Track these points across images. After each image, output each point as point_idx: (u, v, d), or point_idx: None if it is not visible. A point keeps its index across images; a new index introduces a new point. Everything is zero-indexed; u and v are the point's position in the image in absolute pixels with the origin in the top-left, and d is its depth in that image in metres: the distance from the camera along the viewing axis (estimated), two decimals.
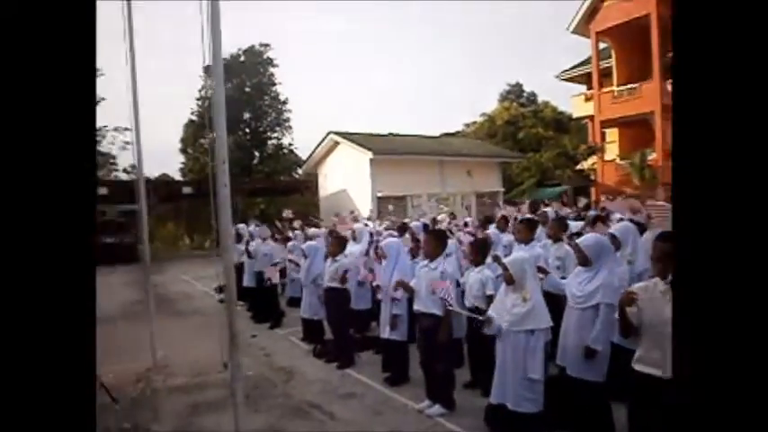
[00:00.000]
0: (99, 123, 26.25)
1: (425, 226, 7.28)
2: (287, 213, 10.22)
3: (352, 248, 6.06)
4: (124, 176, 27.83)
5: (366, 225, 8.46)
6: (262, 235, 7.91)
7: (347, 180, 20.10)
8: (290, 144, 31.33)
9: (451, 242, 5.22)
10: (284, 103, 30.83)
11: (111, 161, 28.06)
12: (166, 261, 16.91)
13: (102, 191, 16.16)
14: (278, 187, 25.84)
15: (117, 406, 4.27)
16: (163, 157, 38.73)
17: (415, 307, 4.06)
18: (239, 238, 8.09)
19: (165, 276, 13.11)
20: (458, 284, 4.36)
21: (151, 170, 26.86)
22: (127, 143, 26.08)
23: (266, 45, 29.88)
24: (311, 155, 22.94)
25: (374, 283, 5.00)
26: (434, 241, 4.13)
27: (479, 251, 4.34)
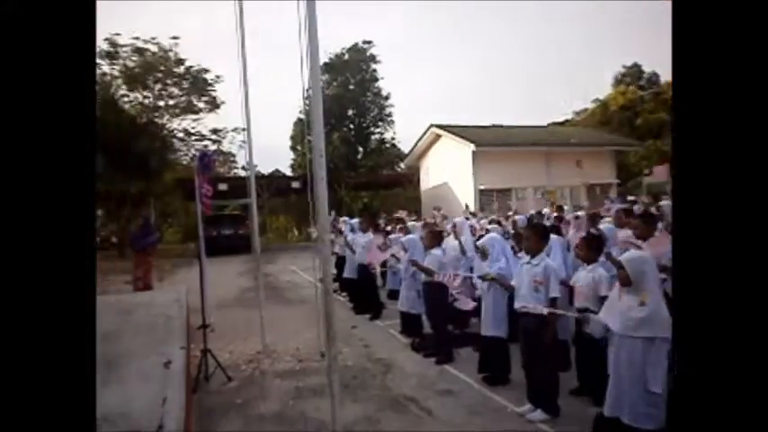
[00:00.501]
0: (220, 125, 28.79)
1: (529, 220, 6.92)
2: (401, 213, 10.29)
3: (452, 242, 5.95)
4: (242, 173, 30.13)
5: (467, 219, 8.28)
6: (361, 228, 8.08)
7: (449, 173, 19.88)
8: (393, 138, 31.81)
9: (556, 238, 4.90)
10: (386, 98, 31.33)
11: (231, 159, 30.52)
12: (278, 251, 18.09)
13: (223, 187, 17.63)
14: (381, 181, 26.37)
15: (231, 383, 4.62)
16: (276, 153, 41.43)
17: (516, 305, 3.85)
18: (341, 230, 8.34)
19: (276, 266, 14.00)
20: (563, 283, 4.06)
21: (265, 167, 28.82)
22: (243, 142, 28.28)
23: (369, 42, 30.55)
24: (413, 148, 23.03)
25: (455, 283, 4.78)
26: (536, 236, 3.88)
27: (592, 247, 3.99)
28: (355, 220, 8.35)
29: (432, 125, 20.68)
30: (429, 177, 22.00)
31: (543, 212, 9.86)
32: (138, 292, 7.92)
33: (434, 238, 5.44)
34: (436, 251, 5.27)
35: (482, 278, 4.44)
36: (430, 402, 4.13)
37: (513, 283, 3.99)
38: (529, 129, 22.27)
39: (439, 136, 20.55)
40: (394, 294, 7.77)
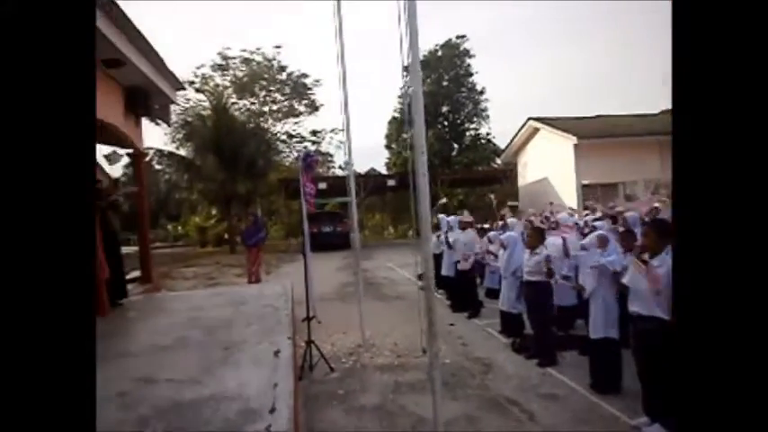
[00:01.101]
0: (319, 127, 30.10)
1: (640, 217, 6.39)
2: (505, 211, 10.05)
3: (555, 240, 5.67)
4: (339, 172, 31.21)
5: (571, 215, 7.87)
6: (460, 225, 7.98)
7: (548, 168, 18.99)
8: (488, 133, 31.09)
9: None
10: (481, 92, 30.68)
11: (329, 159, 31.76)
12: (374, 248, 18.50)
13: (322, 185, 18.37)
14: (477, 177, 25.89)
15: (333, 374, 4.82)
16: (370, 152, 42.37)
17: (632, 308, 3.57)
18: (438, 227, 8.31)
19: (373, 262, 14.33)
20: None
21: (361, 165, 29.59)
22: (341, 142, 29.32)
23: (462, 37, 30.10)
24: (510, 143, 22.32)
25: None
26: (656, 234, 3.55)
27: None
28: (453, 218, 8.27)
29: (530, 118, 19.87)
30: (527, 173, 21.19)
31: (656, 207, 9.04)
32: (252, 284, 8.53)
33: (538, 236, 5.22)
34: (541, 250, 5.04)
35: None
36: (533, 405, 3.98)
37: (624, 281, 3.70)
38: (638, 117, 20.49)
39: (537, 129, 19.69)
40: (492, 293, 7.61)
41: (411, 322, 6.67)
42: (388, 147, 32.32)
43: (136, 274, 7.94)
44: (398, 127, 30.38)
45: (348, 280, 11.23)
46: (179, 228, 32.91)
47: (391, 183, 22.30)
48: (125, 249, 7.48)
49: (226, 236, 24.90)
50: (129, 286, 6.75)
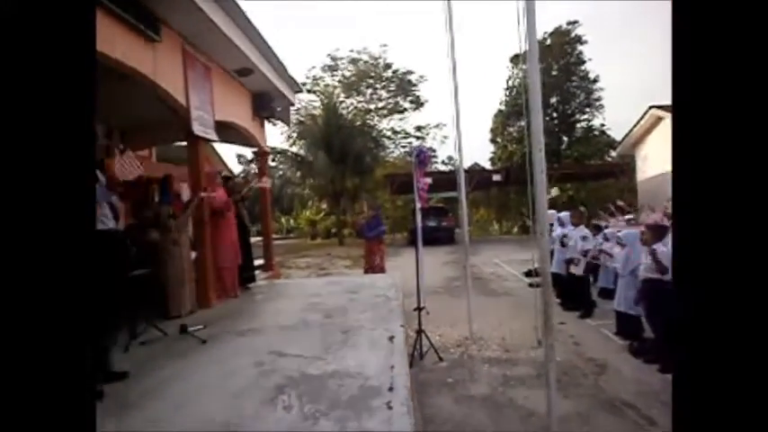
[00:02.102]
0: (423, 122, 30.32)
1: None
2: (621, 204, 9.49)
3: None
4: (442, 167, 31.21)
5: None
6: (572, 221, 7.68)
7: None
8: (602, 125, 29.16)
9: None
10: (594, 81, 28.83)
11: (433, 154, 31.87)
12: (480, 244, 18.30)
13: (428, 180, 18.52)
14: (588, 172, 24.44)
15: (442, 363, 4.96)
16: (474, 147, 41.74)
17: None
18: (549, 224, 8.06)
19: (479, 258, 14.21)
20: None
21: (464, 160, 29.25)
22: (444, 137, 29.30)
23: (574, 22, 28.46)
24: (627, 134, 20.68)
25: None
26: None
27: None
28: (564, 214, 7.98)
29: (651, 106, 18.24)
30: (647, 166, 19.50)
31: None
32: (368, 274, 8.96)
33: (655, 233, 4.90)
34: (659, 247, 4.74)
35: None
36: (653, 411, 3.79)
37: None
38: None
39: (660, 118, 18.01)
40: (606, 293, 7.24)
41: (519, 318, 6.62)
42: (493, 141, 31.63)
43: (259, 262, 8.74)
44: (504, 120, 29.61)
45: (454, 274, 11.30)
46: (291, 221, 35.18)
47: (497, 178, 21.85)
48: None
49: (334, 229, 26.16)
50: (256, 272, 7.46)
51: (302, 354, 3.62)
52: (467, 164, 28.41)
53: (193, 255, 5.50)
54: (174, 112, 5.49)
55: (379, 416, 2.48)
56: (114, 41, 4.02)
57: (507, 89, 29.91)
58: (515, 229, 25.56)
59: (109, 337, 3.28)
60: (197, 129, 5.52)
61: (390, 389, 2.85)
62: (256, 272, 7.50)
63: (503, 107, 30.02)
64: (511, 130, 29.39)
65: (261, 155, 8.80)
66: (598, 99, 28.88)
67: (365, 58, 27.00)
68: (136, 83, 4.69)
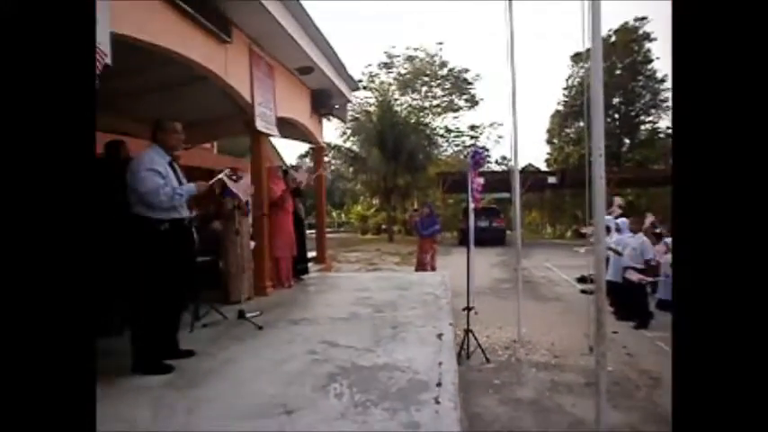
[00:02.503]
0: (477, 121, 29.96)
1: None
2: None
3: None
4: (495, 167, 30.70)
5: None
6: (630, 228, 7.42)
7: None
8: (668, 127, 27.68)
9: None
10: (661, 81, 27.42)
11: (487, 153, 31.42)
12: (531, 247, 17.93)
13: (480, 180, 18.32)
14: (650, 177, 23.34)
15: (489, 365, 4.97)
16: (529, 147, 40.75)
17: None
18: (607, 230, 7.83)
19: (530, 261, 13.95)
20: None
21: (519, 161, 28.69)
22: (499, 137, 28.82)
23: (642, 19, 27.17)
24: None
25: None
26: None
27: None
28: (622, 220, 7.72)
29: None
30: None
31: None
32: (419, 272, 9.04)
33: None
34: None
35: None
36: None
37: None
38: None
39: None
40: (664, 305, 6.96)
41: (569, 324, 6.49)
42: (549, 141, 30.84)
43: (312, 254, 9.01)
44: (562, 121, 28.76)
45: (503, 276, 11.18)
46: (342, 215, 35.78)
47: (552, 180, 21.30)
48: None
49: (384, 225, 26.39)
50: (309, 264, 7.71)
51: (353, 345, 3.75)
52: (521, 164, 27.87)
53: (252, 245, 5.78)
54: (238, 108, 5.78)
55: (427, 409, 2.56)
56: (193, 45, 4.30)
57: (566, 89, 29.03)
58: (569, 233, 24.83)
59: (179, 318, 3.54)
60: (260, 124, 5.78)
61: (438, 384, 2.92)
62: (309, 264, 7.75)
63: (561, 107, 29.17)
64: (568, 131, 28.52)
65: (317, 150, 9.05)
66: (665, 100, 27.48)
67: (421, 55, 27.00)
68: (201, 80, 4.99)
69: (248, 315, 4.52)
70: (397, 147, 22.60)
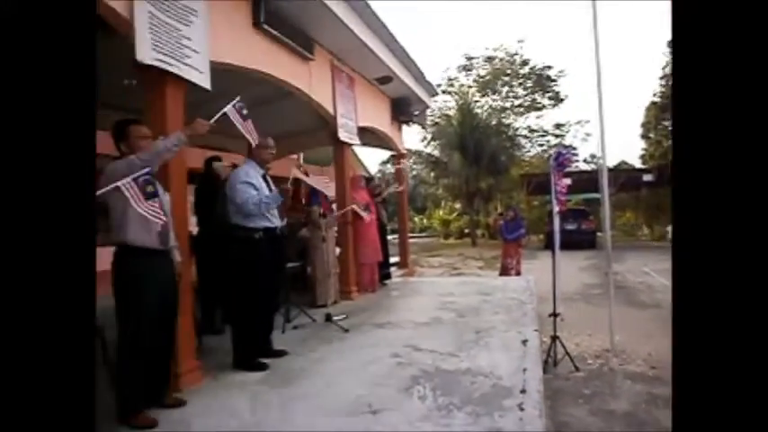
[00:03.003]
0: (563, 119, 28.69)
1: None
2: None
3: None
4: (584, 166, 29.17)
5: None
6: None
7: None
8: None
9: None
10: None
11: (574, 152, 29.94)
12: (625, 250, 16.85)
13: (566, 181, 17.54)
14: None
15: (578, 373, 4.77)
16: (622, 144, 38.27)
17: None
18: None
19: (624, 265, 13.10)
20: None
21: (610, 158, 27.11)
22: (587, 134, 27.37)
23: None
24: None
25: None
26: None
27: None
28: None
29: None
30: None
31: None
32: (503, 276, 8.89)
33: None
34: None
35: None
36: None
37: None
38: None
39: None
40: None
41: (669, 334, 6.02)
42: (644, 136, 28.72)
43: (394, 259, 9.17)
44: (658, 113, 26.71)
45: (593, 281, 10.61)
46: (424, 220, 35.84)
47: (647, 178, 19.85)
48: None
49: (467, 229, 26.07)
50: (392, 269, 7.86)
51: (436, 350, 3.80)
52: (612, 162, 26.28)
53: (338, 251, 6.03)
54: (322, 121, 6.08)
55: (511, 416, 2.55)
56: (279, 65, 4.62)
57: (663, 78, 26.91)
58: (669, 235, 22.92)
59: (272, 320, 3.80)
60: (342, 135, 6.03)
61: (523, 391, 2.89)
62: (392, 269, 7.90)
63: (657, 99, 27.10)
64: (666, 123, 26.38)
65: (398, 157, 9.22)
66: None
67: (501, 55, 26.41)
68: (288, 95, 5.32)
69: (335, 318, 4.73)
70: (478, 150, 22.28)
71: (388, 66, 6.58)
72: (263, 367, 3.42)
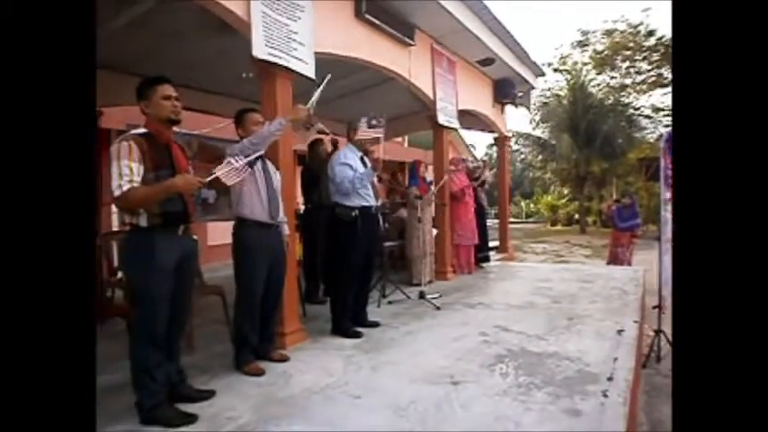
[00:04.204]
0: None
1: None
2: None
3: None
4: None
5: None
6: None
7: None
8: None
9: None
10: None
11: None
12: None
13: None
14: None
15: None
16: None
17: None
18: None
19: None
20: None
21: None
22: None
23: None
24: None
25: None
26: None
27: None
28: None
29: None
30: None
31: None
32: (611, 266, 8.47)
33: None
34: None
35: None
36: None
37: None
38: None
39: None
40: None
41: None
42: None
43: (494, 243, 9.10)
44: None
45: None
46: (531, 205, 34.56)
47: None
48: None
49: (576, 216, 24.72)
50: (491, 253, 7.85)
51: (525, 332, 3.82)
52: None
53: (434, 232, 6.19)
54: (423, 105, 6.22)
55: (592, 400, 2.55)
56: (381, 52, 4.85)
57: None
58: None
59: (367, 293, 4.10)
60: (441, 119, 6.13)
61: (610, 378, 2.84)
62: (491, 252, 7.89)
63: None
64: None
65: (501, 140, 9.07)
66: None
67: (622, 27, 24.25)
68: (389, 81, 5.53)
69: (428, 296, 4.92)
70: (591, 131, 20.88)
71: (490, 47, 6.50)
72: (357, 335, 3.72)
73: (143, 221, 2.28)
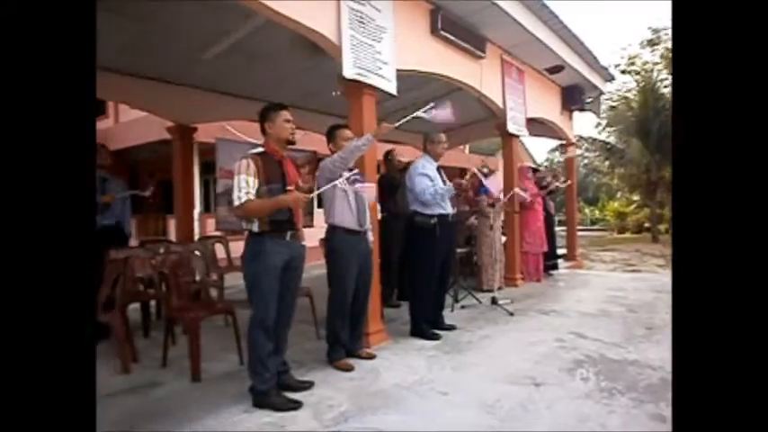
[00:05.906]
0: None
1: None
2: None
3: None
4: None
5: None
6: None
7: None
8: None
9: None
10: None
11: None
12: None
13: None
14: None
15: None
16: None
17: None
18: None
19: None
20: None
21: None
22: None
23: None
24: None
25: None
26: None
27: None
28: None
29: None
30: None
31: None
32: None
33: None
34: None
35: None
36: None
37: None
38: None
39: None
40: None
41: None
42: None
43: (562, 251, 8.99)
44: None
45: None
46: (596, 212, 33.31)
47: None
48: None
49: (647, 223, 23.61)
50: (559, 261, 7.79)
51: (602, 339, 3.85)
52: None
53: (504, 239, 6.26)
54: (490, 113, 6.34)
55: None
56: (454, 65, 5.05)
57: None
58: None
59: (443, 297, 4.28)
60: (511, 127, 6.21)
61: None
62: (559, 260, 7.82)
63: None
64: None
65: (567, 146, 8.98)
66: None
67: None
68: (457, 90, 5.70)
69: (500, 302, 5.02)
70: (662, 134, 19.93)
71: (559, 55, 6.52)
72: (436, 337, 3.90)
73: (255, 227, 2.62)
